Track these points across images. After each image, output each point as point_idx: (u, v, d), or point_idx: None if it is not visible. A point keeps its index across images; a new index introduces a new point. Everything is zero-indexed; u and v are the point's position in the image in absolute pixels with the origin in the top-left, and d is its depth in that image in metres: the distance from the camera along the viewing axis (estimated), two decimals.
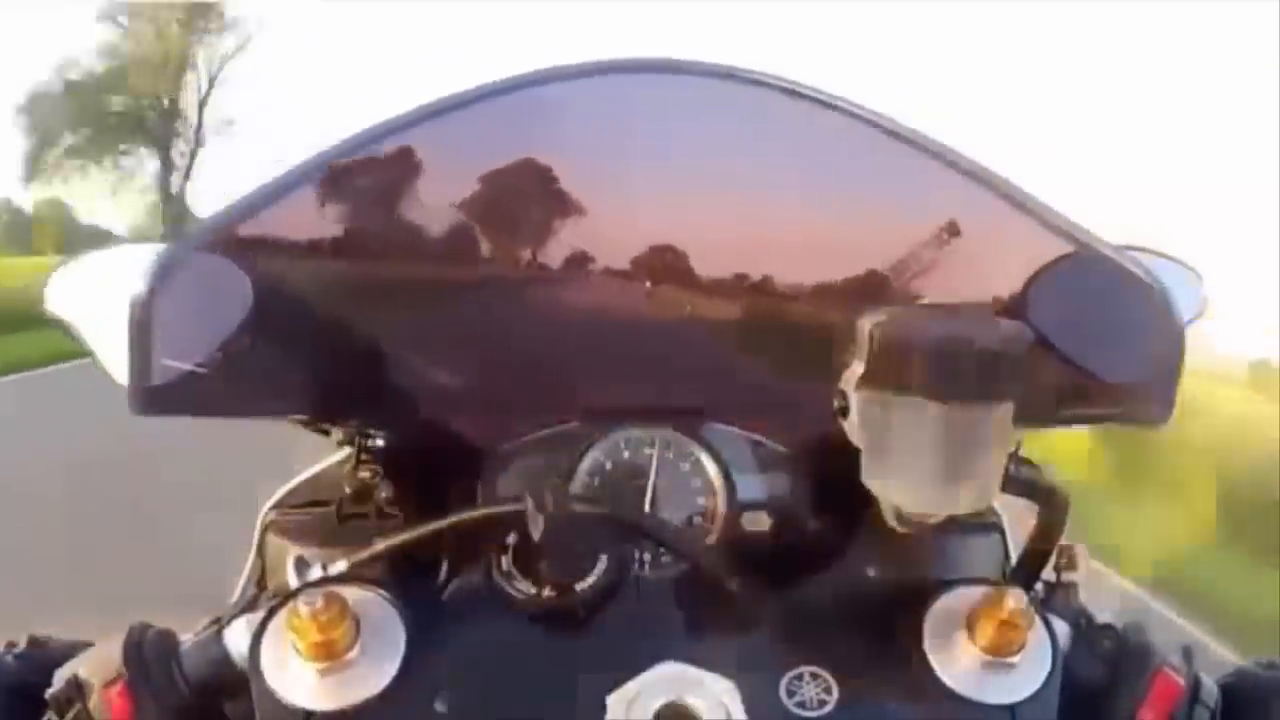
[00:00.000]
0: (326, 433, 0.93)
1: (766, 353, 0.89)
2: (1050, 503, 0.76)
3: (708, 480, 0.92)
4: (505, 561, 0.67)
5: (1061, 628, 0.67)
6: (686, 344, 0.88)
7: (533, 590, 0.65)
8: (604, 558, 0.67)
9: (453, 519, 0.69)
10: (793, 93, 0.67)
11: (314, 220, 0.72)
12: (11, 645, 0.70)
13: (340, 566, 0.67)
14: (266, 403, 0.80)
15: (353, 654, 0.61)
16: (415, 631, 0.63)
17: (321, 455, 1.00)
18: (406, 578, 0.69)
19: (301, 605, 0.59)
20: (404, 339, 0.83)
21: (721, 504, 0.91)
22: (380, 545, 0.68)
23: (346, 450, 0.93)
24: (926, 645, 0.64)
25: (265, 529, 0.93)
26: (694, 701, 0.60)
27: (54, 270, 0.85)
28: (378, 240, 0.78)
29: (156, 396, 0.66)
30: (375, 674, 0.61)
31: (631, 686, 0.61)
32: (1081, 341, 0.68)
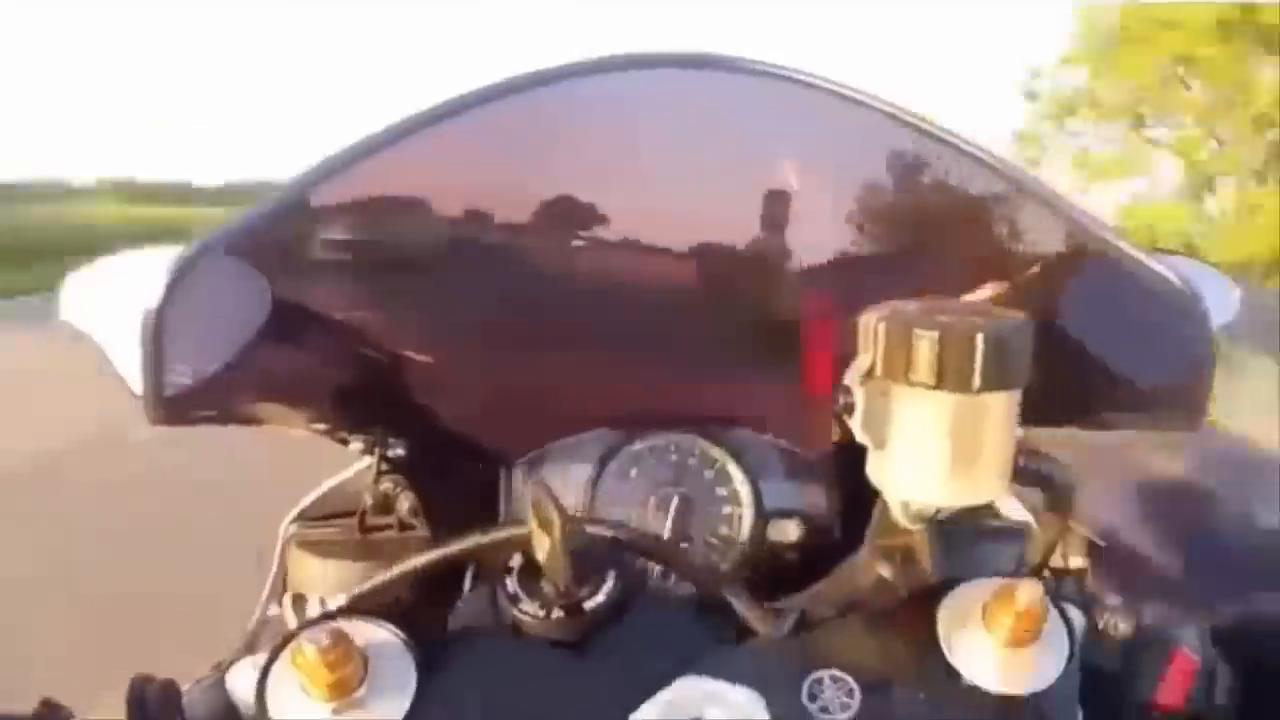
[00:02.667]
0: (346, 442, 0.92)
1: (794, 358, 0.87)
2: (1057, 490, 0.76)
3: (734, 489, 0.91)
4: (511, 583, 0.65)
5: (1076, 615, 0.66)
6: (709, 351, 0.87)
7: (540, 612, 0.63)
8: (612, 574, 0.65)
9: (456, 546, 0.67)
10: (814, 87, 0.66)
11: (332, 224, 0.72)
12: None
13: (339, 601, 0.65)
14: (285, 411, 0.79)
15: (361, 692, 0.58)
16: (425, 663, 0.61)
17: (342, 466, 0.99)
18: (413, 605, 0.68)
19: (306, 643, 0.57)
20: (424, 347, 0.83)
21: (748, 513, 0.90)
22: (380, 578, 0.66)
23: (367, 460, 0.92)
24: (943, 640, 0.62)
25: (286, 542, 0.92)
26: (717, 715, 0.59)
27: (70, 276, 0.85)
28: (396, 246, 0.78)
29: (172, 406, 0.65)
30: (386, 711, 0.58)
31: (652, 706, 0.59)
32: (1111, 343, 0.68)
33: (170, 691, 0.65)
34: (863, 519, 0.67)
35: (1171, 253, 0.86)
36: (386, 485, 0.90)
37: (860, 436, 0.59)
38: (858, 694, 0.60)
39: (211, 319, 0.68)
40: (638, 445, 0.92)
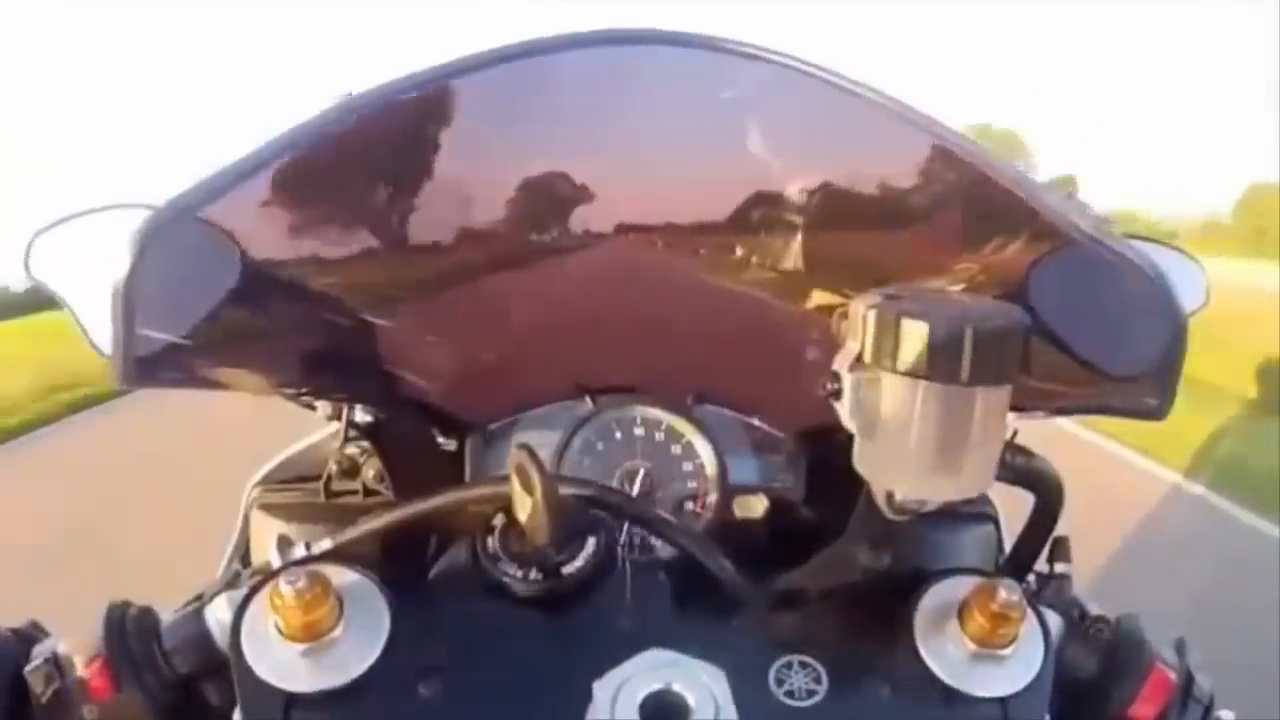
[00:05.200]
0: (313, 407, 0.92)
1: (763, 335, 0.88)
2: (1045, 492, 0.75)
3: (700, 463, 0.92)
4: (491, 543, 0.66)
5: (1054, 620, 0.66)
6: (681, 324, 0.87)
7: (519, 573, 0.64)
8: (592, 541, 0.66)
9: (437, 500, 0.67)
10: (796, 70, 0.65)
11: (304, 189, 0.70)
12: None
13: (324, 545, 0.65)
14: (253, 375, 0.78)
15: (335, 634, 0.60)
16: (399, 613, 0.62)
17: (309, 430, 0.98)
18: (391, 557, 0.68)
19: (284, 584, 0.58)
20: (393, 313, 0.82)
21: (713, 487, 0.91)
22: (364, 525, 0.67)
23: (334, 425, 0.92)
24: (917, 636, 0.63)
25: (251, 504, 0.92)
26: (681, 689, 0.59)
27: (38, 233, 0.83)
28: (369, 212, 0.77)
29: (141, 368, 0.64)
30: (358, 656, 0.60)
31: (618, 673, 0.60)
32: (1081, 331, 0.67)
33: (148, 618, 0.65)
34: (833, 502, 0.67)
35: (1143, 239, 0.87)
36: (353, 451, 0.90)
37: (847, 423, 0.58)
38: (825, 682, 0.61)
39: (181, 282, 0.67)
40: (604, 417, 0.92)
